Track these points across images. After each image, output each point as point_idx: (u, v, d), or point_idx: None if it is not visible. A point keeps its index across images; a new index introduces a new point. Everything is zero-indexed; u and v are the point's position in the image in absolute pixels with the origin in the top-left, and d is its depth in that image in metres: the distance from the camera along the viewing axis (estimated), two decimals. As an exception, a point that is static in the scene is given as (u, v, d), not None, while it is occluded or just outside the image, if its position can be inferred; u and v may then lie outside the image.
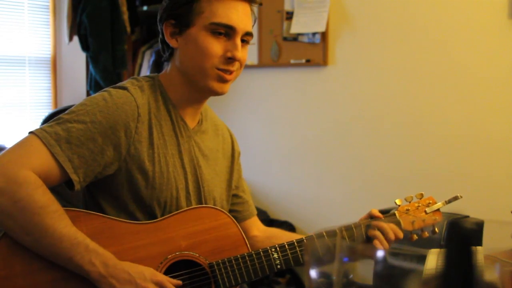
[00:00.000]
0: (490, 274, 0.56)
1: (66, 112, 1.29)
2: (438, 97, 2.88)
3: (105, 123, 1.27)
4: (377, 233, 1.35)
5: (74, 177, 1.24)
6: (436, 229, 1.42)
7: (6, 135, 3.50)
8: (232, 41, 1.33)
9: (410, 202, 1.44)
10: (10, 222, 1.17)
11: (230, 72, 1.35)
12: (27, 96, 3.73)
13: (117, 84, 1.37)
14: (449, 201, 1.42)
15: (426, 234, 1.42)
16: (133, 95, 1.32)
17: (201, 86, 1.36)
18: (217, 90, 1.36)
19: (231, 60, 1.33)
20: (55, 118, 1.29)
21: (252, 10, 1.39)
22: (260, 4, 1.44)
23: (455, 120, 2.83)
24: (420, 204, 1.45)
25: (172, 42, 1.38)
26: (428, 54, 2.90)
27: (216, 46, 1.32)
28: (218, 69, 1.33)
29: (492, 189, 2.70)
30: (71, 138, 1.24)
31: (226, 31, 1.32)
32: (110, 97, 1.31)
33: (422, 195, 1.46)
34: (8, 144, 1.27)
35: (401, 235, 1.36)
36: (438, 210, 1.44)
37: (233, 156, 1.58)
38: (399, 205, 1.44)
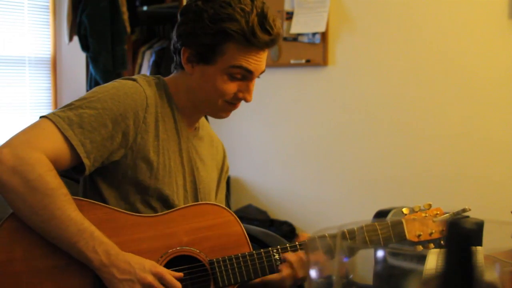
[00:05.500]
0: (490, 274, 0.56)
1: (77, 99, 1.31)
2: (438, 97, 2.88)
3: (115, 110, 1.29)
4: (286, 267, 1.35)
5: (86, 161, 1.26)
6: (442, 241, 1.40)
7: (6, 135, 3.50)
8: (246, 83, 1.38)
9: (417, 212, 1.42)
10: (20, 201, 1.18)
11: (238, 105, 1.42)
12: (27, 96, 3.73)
13: (126, 76, 1.40)
14: (457, 213, 1.40)
15: (432, 245, 1.40)
16: (142, 86, 1.35)
17: (206, 112, 1.44)
18: (221, 117, 1.45)
19: (241, 99, 1.39)
20: (66, 104, 1.30)
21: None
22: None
23: (455, 120, 2.83)
24: (427, 215, 1.43)
25: (188, 68, 1.38)
26: (428, 54, 2.90)
27: (230, 87, 1.36)
28: (227, 102, 1.39)
29: (492, 189, 2.70)
30: (83, 124, 1.26)
31: (242, 75, 1.36)
32: (120, 86, 1.33)
33: (430, 205, 1.43)
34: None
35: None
36: (445, 221, 1.41)
37: (222, 169, 1.61)
38: (405, 214, 1.41)
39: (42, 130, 1.24)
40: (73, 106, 1.28)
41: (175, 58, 1.44)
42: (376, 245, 1.35)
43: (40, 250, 1.20)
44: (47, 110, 3.81)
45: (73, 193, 1.27)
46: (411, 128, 2.98)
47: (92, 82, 3.57)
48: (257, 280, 1.39)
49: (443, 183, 2.81)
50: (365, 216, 2.78)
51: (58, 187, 1.20)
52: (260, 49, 1.36)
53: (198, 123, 1.51)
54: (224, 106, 1.40)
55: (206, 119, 1.65)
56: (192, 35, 1.34)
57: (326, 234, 1.33)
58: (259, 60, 1.37)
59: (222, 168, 1.60)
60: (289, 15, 3.33)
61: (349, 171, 3.21)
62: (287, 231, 3.31)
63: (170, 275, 1.24)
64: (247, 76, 1.36)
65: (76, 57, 3.74)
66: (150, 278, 1.21)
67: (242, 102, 1.42)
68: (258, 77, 1.42)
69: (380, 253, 0.62)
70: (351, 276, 0.67)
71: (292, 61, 3.34)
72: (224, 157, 1.62)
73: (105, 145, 1.28)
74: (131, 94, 1.32)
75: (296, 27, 3.30)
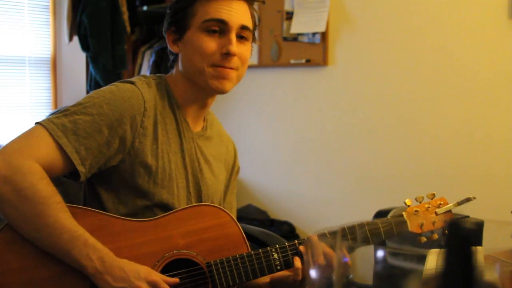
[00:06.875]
0: (490, 274, 0.56)
1: (73, 104, 1.30)
2: (438, 97, 2.88)
3: (111, 115, 1.28)
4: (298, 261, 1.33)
5: (81, 168, 1.25)
6: (446, 231, 1.39)
7: (6, 135, 3.50)
8: (226, 37, 1.34)
9: (420, 202, 1.41)
10: (12, 211, 1.17)
11: (228, 68, 1.35)
12: (27, 96, 3.73)
13: (124, 79, 1.39)
14: (461, 203, 1.39)
15: (436, 236, 1.39)
16: (140, 89, 1.34)
17: (202, 86, 1.38)
18: (217, 88, 1.36)
19: (227, 55, 1.34)
20: (61, 110, 1.29)
21: (250, 8, 1.40)
22: (263, 3, 1.45)
23: (455, 120, 2.83)
24: (430, 205, 1.41)
25: (174, 48, 1.41)
26: (428, 54, 2.90)
27: (210, 43, 1.34)
28: (215, 65, 1.34)
29: (492, 189, 2.70)
30: (78, 130, 1.25)
31: (219, 28, 1.34)
32: (117, 90, 1.32)
33: (433, 195, 1.42)
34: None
35: (333, 262, 1.28)
36: (449, 211, 1.40)
37: (233, 169, 1.58)
38: (408, 205, 1.40)
39: (35, 137, 1.23)
40: (68, 112, 1.27)
41: (169, 60, 1.46)
42: (378, 241, 1.34)
43: (35, 261, 1.19)
44: (47, 110, 3.81)
45: (74, 192, 1.27)
46: (411, 127, 2.98)
47: (92, 82, 3.57)
48: (263, 280, 1.38)
49: (443, 183, 2.81)
50: (365, 216, 2.78)
51: (51, 195, 1.19)
52: None
53: (206, 122, 1.49)
54: (214, 72, 1.34)
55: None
56: (168, 15, 1.42)
57: (326, 232, 1.32)
58: (230, 8, 1.34)
59: (233, 168, 1.58)
60: (289, 15, 3.33)
61: (349, 171, 3.21)
62: (287, 231, 3.31)
63: (165, 283, 1.23)
64: (223, 28, 1.34)
65: (76, 57, 3.74)
66: (145, 287, 1.20)
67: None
68: (246, 38, 1.38)
69: (380, 253, 0.62)
70: (351, 276, 0.67)
71: (292, 61, 3.34)
72: (235, 156, 1.59)
73: (101, 151, 1.27)
74: (128, 98, 1.31)
75: (296, 27, 3.30)
